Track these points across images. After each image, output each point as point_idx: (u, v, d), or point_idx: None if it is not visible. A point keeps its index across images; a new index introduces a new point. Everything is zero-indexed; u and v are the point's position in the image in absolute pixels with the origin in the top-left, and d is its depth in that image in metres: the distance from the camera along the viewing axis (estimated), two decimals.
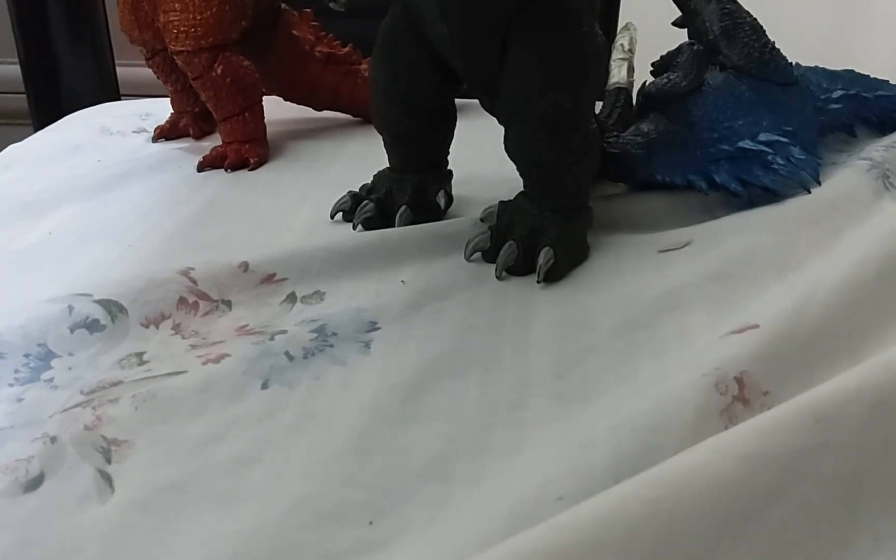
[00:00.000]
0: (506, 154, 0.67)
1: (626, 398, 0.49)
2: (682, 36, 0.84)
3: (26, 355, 0.54)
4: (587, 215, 0.69)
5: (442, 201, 0.74)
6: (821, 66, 0.88)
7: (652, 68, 0.84)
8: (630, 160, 0.76)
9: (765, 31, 0.81)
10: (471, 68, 0.67)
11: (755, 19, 0.82)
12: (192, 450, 0.47)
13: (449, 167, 0.76)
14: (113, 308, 0.58)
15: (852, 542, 0.39)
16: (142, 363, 0.55)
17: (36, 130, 1.11)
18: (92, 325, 0.57)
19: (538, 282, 0.63)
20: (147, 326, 0.58)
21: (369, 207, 0.72)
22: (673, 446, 0.43)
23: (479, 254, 0.67)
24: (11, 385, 0.52)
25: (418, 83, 0.70)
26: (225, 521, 0.42)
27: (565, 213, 0.66)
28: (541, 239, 0.64)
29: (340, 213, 0.75)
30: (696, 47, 0.80)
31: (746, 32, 0.79)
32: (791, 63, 0.82)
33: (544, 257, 0.63)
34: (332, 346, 0.55)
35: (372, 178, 0.76)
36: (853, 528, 0.39)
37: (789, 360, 0.50)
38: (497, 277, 0.64)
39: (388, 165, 0.76)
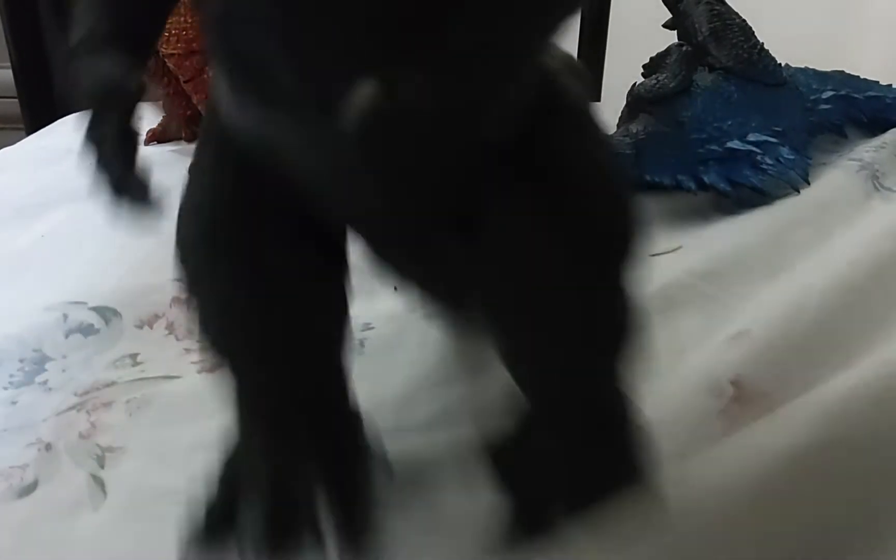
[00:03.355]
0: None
1: None
2: (671, 37, 0.84)
3: (21, 360, 0.54)
4: (631, 410, 0.40)
5: (378, 484, 0.41)
6: (811, 67, 0.89)
7: (642, 70, 0.84)
8: (619, 161, 0.76)
9: (753, 33, 0.82)
10: (413, 256, 0.40)
11: (744, 21, 0.82)
12: (184, 456, 0.47)
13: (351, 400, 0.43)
14: (107, 313, 0.58)
15: (862, 537, 0.39)
16: (135, 364, 0.55)
17: (28, 134, 1.11)
18: (86, 330, 0.57)
19: None
20: (141, 327, 0.58)
21: (253, 525, 0.38)
22: (668, 456, 0.44)
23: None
24: (6, 388, 0.52)
25: (293, 303, 0.38)
26: None
27: (613, 432, 0.40)
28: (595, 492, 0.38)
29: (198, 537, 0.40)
30: (684, 48, 0.80)
31: (735, 34, 0.80)
32: (780, 64, 0.83)
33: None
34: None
35: (221, 465, 0.41)
36: (862, 521, 0.40)
37: (785, 363, 0.51)
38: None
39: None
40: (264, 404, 0.40)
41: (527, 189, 0.34)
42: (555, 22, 0.30)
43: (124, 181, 0.32)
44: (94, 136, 0.32)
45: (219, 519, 0.39)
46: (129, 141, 0.32)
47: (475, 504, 0.42)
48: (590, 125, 0.36)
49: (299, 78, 0.29)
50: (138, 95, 0.32)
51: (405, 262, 0.40)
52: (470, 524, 0.39)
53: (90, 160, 0.32)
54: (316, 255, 0.38)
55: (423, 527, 0.40)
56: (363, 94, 0.25)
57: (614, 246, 0.35)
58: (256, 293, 0.37)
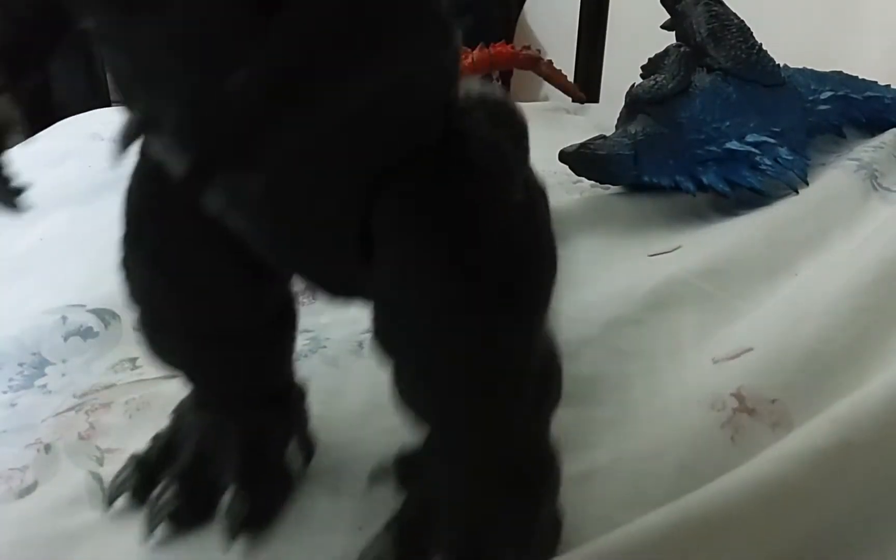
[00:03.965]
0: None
1: (620, 426, 0.49)
2: (670, 39, 0.84)
3: (20, 364, 0.54)
4: (553, 475, 0.40)
5: (298, 461, 0.44)
6: (809, 67, 0.89)
7: (641, 71, 0.84)
8: (617, 162, 0.77)
9: (752, 34, 0.82)
10: (306, 276, 0.41)
11: (742, 22, 0.82)
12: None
13: (298, 385, 0.46)
14: (106, 316, 0.58)
15: (874, 541, 0.39)
16: (135, 368, 0.55)
17: (27, 137, 1.11)
18: (86, 333, 0.57)
19: None
20: None
21: (170, 496, 0.41)
22: (673, 465, 0.44)
23: None
24: (5, 392, 0.52)
25: (215, 298, 0.40)
26: (213, 526, 0.42)
27: (519, 485, 0.38)
28: (491, 548, 0.37)
29: (123, 497, 0.43)
30: (683, 49, 0.80)
31: (734, 35, 0.80)
32: (778, 65, 0.83)
33: None
34: (324, 346, 0.55)
35: (170, 418, 0.45)
36: (875, 526, 0.40)
37: (791, 371, 0.51)
38: None
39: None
40: (194, 388, 0.43)
41: (412, 230, 0.33)
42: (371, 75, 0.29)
43: None
44: None
45: (139, 481, 0.42)
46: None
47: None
48: (491, 174, 0.34)
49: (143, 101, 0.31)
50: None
51: (303, 275, 0.41)
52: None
53: None
54: (231, 253, 0.38)
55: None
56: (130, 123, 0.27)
57: (498, 305, 0.34)
58: (173, 281, 0.38)
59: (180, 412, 0.44)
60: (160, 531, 0.40)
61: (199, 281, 0.38)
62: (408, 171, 0.33)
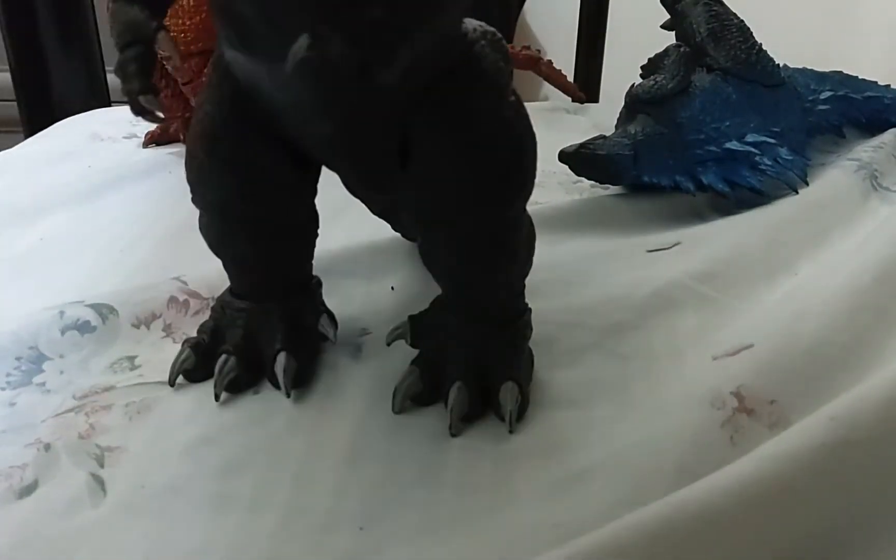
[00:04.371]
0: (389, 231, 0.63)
1: (619, 424, 0.49)
2: (669, 38, 0.84)
3: (17, 358, 0.54)
4: (528, 321, 0.53)
5: (330, 331, 0.55)
6: (809, 67, 0.89)
7: (640, 71, 0.84)
8: (617, 162, 0.77)
9: (752, 33, 0.82)
10: (359, 173, 0.50)
11: (742, 21, 0.82)
12: (183, 455, 0.47)
13: (316, 277, 0.57)
14: (104, 310, 0.58)
15: (872, 539, 0.39)
16: (134, 368, 0.55)
17: (27, 137, 1.11)
18: (83, 327, 0.57)
19: (510, 431, 0.48)
20: (138, 327, 0.58)
21: (231, 365, 0.51)
22: (672, 465, 0.44)
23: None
24: (3, 389, 0.52)
25: (272, 194, 0.50)
26: (215, 528, 0.42)
27: (508, 327, 0.51)
28: (494, 371, 0.49)
29: (182, 377, 0.53)
30: (682, 49, 0.80)
31: (733, 34, 0.80)
32: (778, 65, 0.83)
33: (511, 399, 0.48)
34: (322, 350, 0.56)
35: (211, 312, 0.55)
36: (872, 525, 0.40)
37: (790, 371, 0.51)
38: (452, 435, 0.48)
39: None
40: (243, 281, 0.54)
41: (443, 132, 0.44)
42: (447, 7, 0.41)
43: (143, 92, 0.45)
44: (122, 63, 0.45)
45: (199, 362, 0.52)
46: (148, 64, 0.46)
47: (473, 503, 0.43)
48: (497, 85, 0.46)
49: (266, 33, 0.39)
50: (156, 32, 0.45)
51: (352, 174, 0.50)
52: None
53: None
54: (288, 159, 0.48)
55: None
56: (298, 46, 0.36)
57: (508, 183, 0.46)
58: (247, 200, 0.49)
59: (219, 307, 0.55)
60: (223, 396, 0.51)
61: (261, 178, 0.49)
62: (437, 88, 0.43)
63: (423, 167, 0.45)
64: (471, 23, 0.46)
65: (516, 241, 0.48)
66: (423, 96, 0.43)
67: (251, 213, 0.50)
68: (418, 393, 0.50)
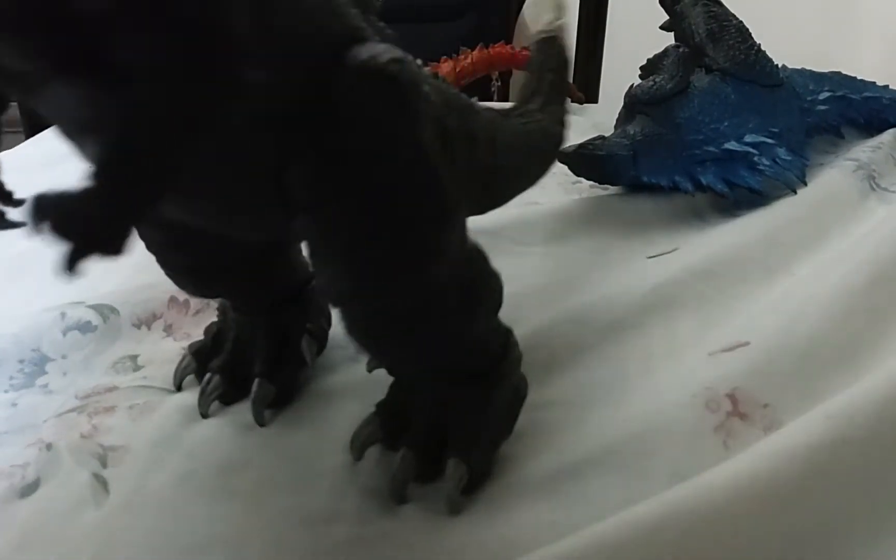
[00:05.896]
0: None
1: (614, 420, 0.49)
2: (668, 39, 0.84)
3: (21, 361, 0.54)
4: (509, 363, 0.47)
5: (308, 354, 0.53)
6: (807, 68, 0.89)
7: (639, 71, 0.84)
8: (616, 162, 0.77)
9: (750, 34, 0.82)
10: (244, 233, 0.46)
11: (741, 22, 0.82)
12: (185, 454, 0.47)
13: (312, 283, 0.54)
14: (105, 310, 0.58)
15: (868, 538, 0.39)
16: (137, 368, 0.55)
17: (27, 138, 1.11)
18: (84, 327, 0.57)
19: (448, 512, 0.43)
20: (139, 327, 0.59)
21: (215, 384, 0.51)
22: (665, 468, 0.44)
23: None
24: (6, 391, 0.52)
25: (205, 238, 0.46)
26: (217, 527, 0.42)
27: (478, 380, 0.45)
28: (450, 436, 0.45)
29: (187, 379, 0.54)
30: (681, 50, 0.80)
31: (732, 35, 0.80)
32: (777, 65, 0.83)
33: (455, 477, 0.43)
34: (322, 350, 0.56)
35: (217, 312, 0.56)
36: (870, 523, 0.40)
37: (785, 373, 0.51)
38: (393, 500, 0.44)
39: None
40: (227, 296, 0.53)
41: (326, 180, 0.37)
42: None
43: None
44: None
45: (206, 359, 0.53)
46: None
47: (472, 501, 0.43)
48: (385, 130, 0.37)
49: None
50: None
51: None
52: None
53: None
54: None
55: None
56: None
57: (413, 243, 0.39)
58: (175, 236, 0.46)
59: (222, 309, 0.55)
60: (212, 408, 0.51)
61: (183, 230, 0.44)
62: (311, 122, 0.36)
63: (317, 241, 0.39)
64: (374, 48, 0.38)
65: (442, 294, 0.41)
66: (298, 128, 0.37)
67: (209, 255, 0.48)
68: (378, 440, 0.46)
